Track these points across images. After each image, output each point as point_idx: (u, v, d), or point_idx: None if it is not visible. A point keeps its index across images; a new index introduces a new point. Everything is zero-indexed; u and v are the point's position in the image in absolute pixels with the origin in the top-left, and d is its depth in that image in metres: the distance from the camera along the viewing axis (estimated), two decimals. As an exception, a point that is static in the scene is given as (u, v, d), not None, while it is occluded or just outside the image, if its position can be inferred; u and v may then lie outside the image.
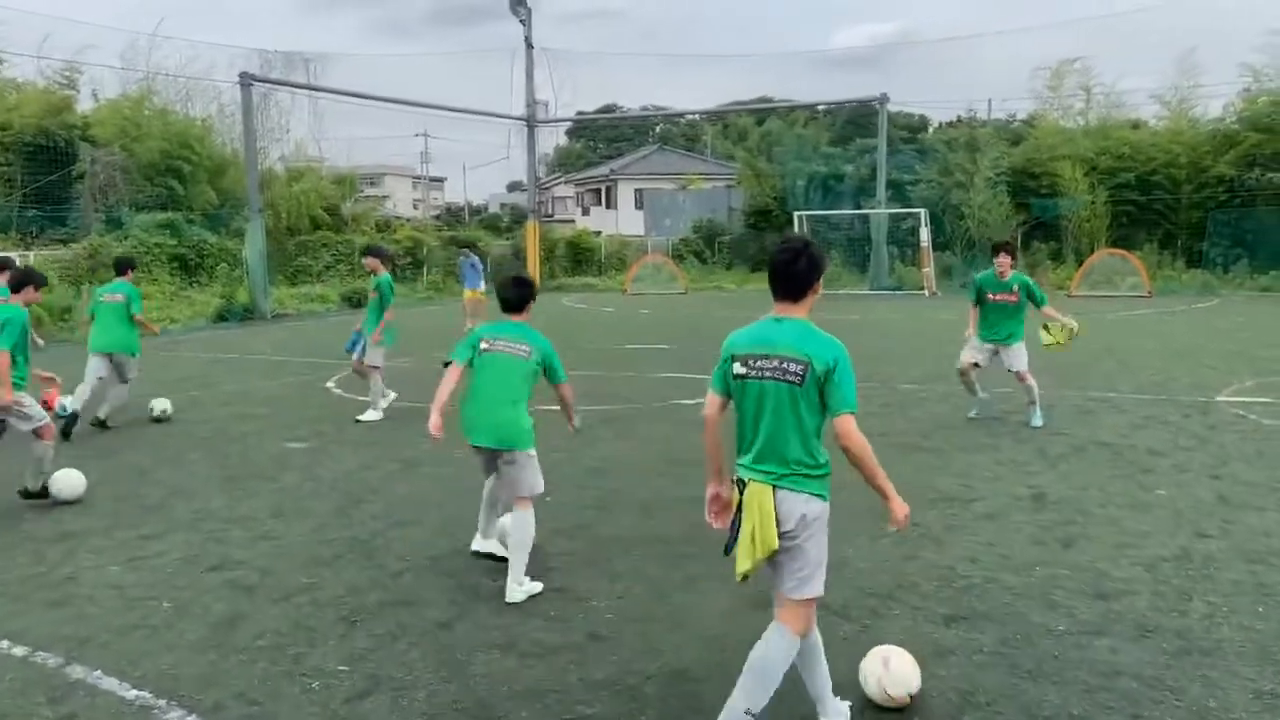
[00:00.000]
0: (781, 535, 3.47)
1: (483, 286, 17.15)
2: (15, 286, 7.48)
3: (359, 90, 29.24)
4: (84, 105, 29.71)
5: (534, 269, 34.30)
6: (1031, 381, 9.18)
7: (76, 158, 26.07)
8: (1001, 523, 6.16)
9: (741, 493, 3.53)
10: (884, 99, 29.37)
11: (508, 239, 42.73)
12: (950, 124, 45.28)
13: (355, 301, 26.52)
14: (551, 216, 67.11)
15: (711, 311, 23.19)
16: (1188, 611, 4.66)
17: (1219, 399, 10.32)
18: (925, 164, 34.78)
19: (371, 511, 6.68)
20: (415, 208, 79.71)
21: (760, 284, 27.46)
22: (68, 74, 29.37)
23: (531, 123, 33.38)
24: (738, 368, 3.55)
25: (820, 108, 62.84)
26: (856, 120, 69.44)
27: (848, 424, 3.42)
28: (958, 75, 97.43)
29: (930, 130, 52.98)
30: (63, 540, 6.16)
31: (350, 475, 7.71)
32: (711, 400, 3.70)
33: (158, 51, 41.99)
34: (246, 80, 24.00)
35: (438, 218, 69.15)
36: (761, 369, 3.49)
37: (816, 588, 3.60)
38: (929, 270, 26.62)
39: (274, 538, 6.14)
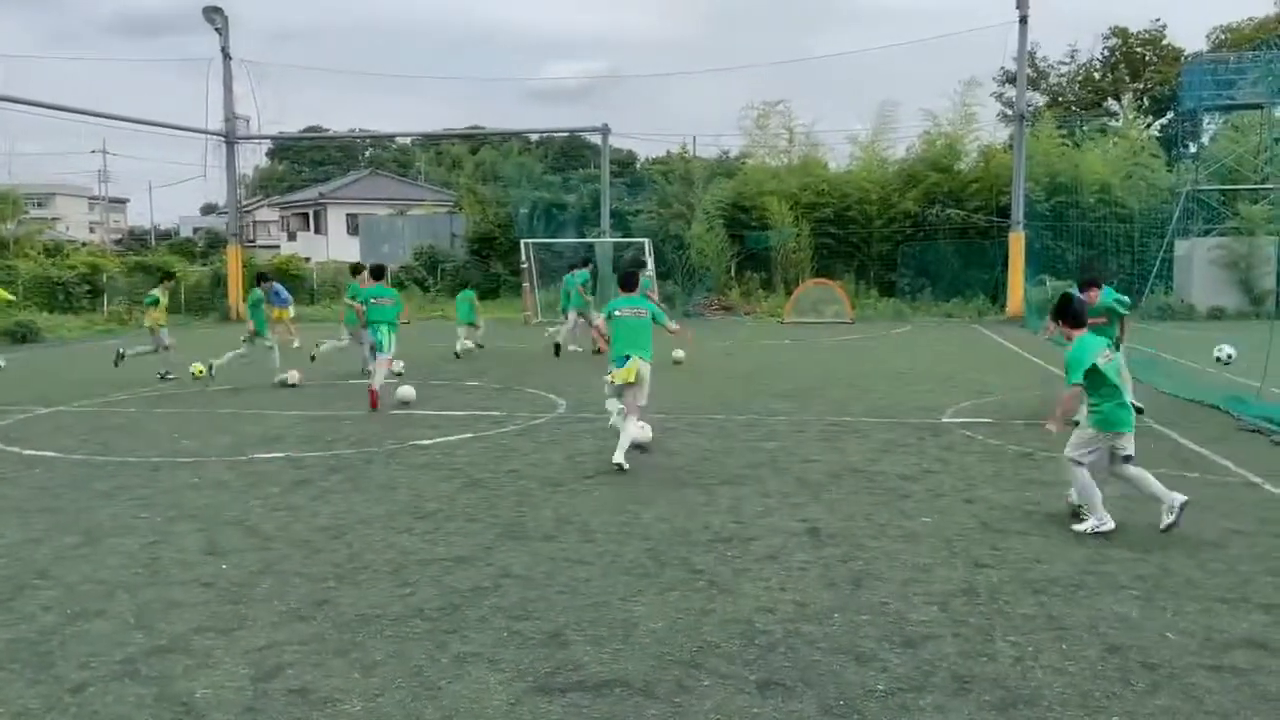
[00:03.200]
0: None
1: (291, 310, 17.64)
2: None
3: (22, 96, 25.50)
4: None
5: (236, 296, 31.52)
6: None
7: None
8: (785, 563, 5.82)
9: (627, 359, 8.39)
10: (606, 129, 29.65)
11: (204, 264, 39.21)
12: (658, 159, 46.82)
13: (20, 336, 23.01)
14: (254, 242, 62.78)
15: (435, 341, 22.09)
16: (995, 655, 4.45)
17: (945, 420, 10.79)
18: (639, 196, 35.55)
19: (41, 601, 5.28)
20: (92, 231, 72.06)
21: (487, 313, 26.53)
22: None
23: (230, 139, 30.71)
24: (618, 313, 8.61)
25: (533, 138, 63.30)
26: (568, 152, 70.76)
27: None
28: (663, 113, 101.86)
29: (638, 165, 54.71)
30: None
31: (11, 553, 6.17)
32: (603, 322, 8.83)
33: None
34: None
35: (119, 242, 62.78)
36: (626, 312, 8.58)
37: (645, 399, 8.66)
38: (655, 297, 26.99)
39: (-103, 650, 4.65)
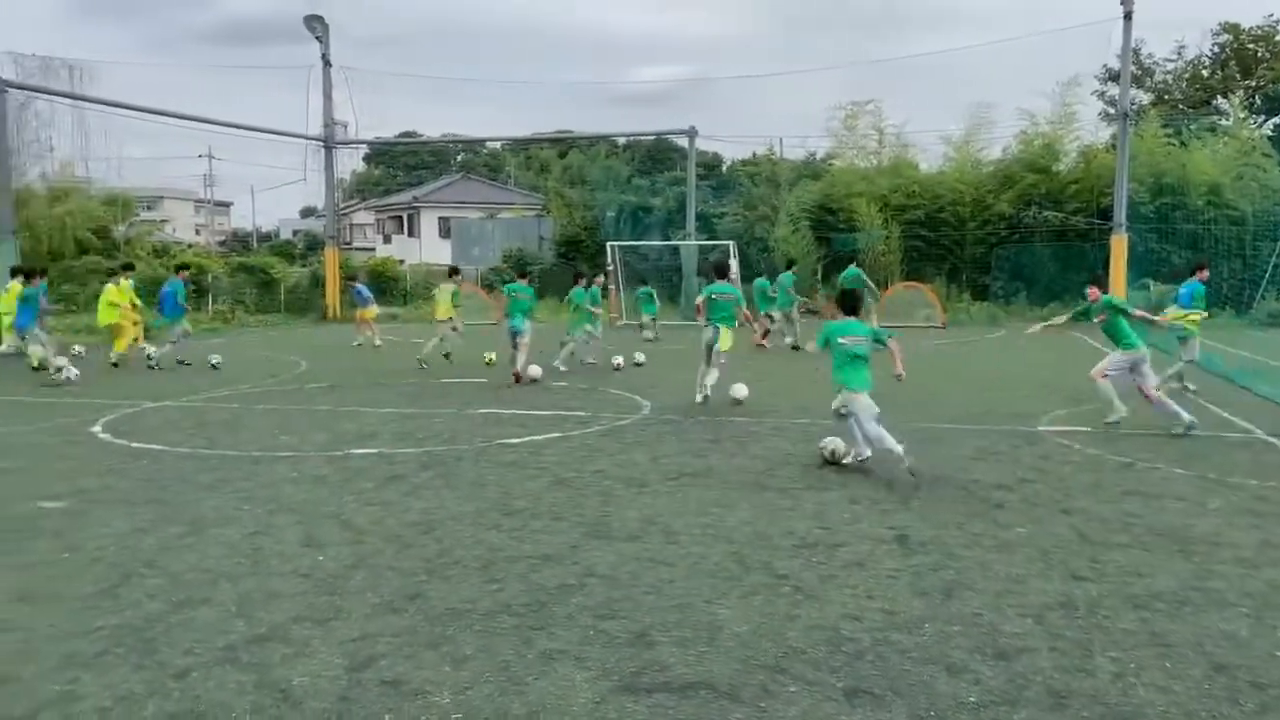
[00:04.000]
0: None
1: (374, 308, 20.85)
2: None
3: (132, 103, 26.66)
4: None
5: (333, 297, 32.44)
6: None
7: None
8: (873, 570, 5.73)
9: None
10: (693, 131, 29.62)
11: (303, 266, 40.41)
12: (745, 161, 46.58)
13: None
14: (350, 244, 64.46)
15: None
16: (1094, 671, 4.30)
17: (1040, 428, 10.50)
18: (725, 198, 35.45)
19: (147, 589, 5.50)
20: (198, 233, 74.82)
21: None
22: None
23: (329, 144, 31.64)
24: (714, 297, 12.23)
25: (620, 141, 63.60)
26: (654, 155, 70.94)
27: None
28: (749, 115, 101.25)
29: (724, 167, 54.51)
30: None
31: (120, 542, 6.44)
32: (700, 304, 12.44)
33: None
34: (0, 86, 21.33)
35: (223, 243, 65.07)
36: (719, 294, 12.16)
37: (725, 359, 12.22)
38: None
39: (17, 629, 4.90)
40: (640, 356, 17.51)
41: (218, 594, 5.41)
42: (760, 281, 21.10)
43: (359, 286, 20.75)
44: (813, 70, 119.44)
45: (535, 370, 14.74)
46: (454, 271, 19.46)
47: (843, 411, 8.61)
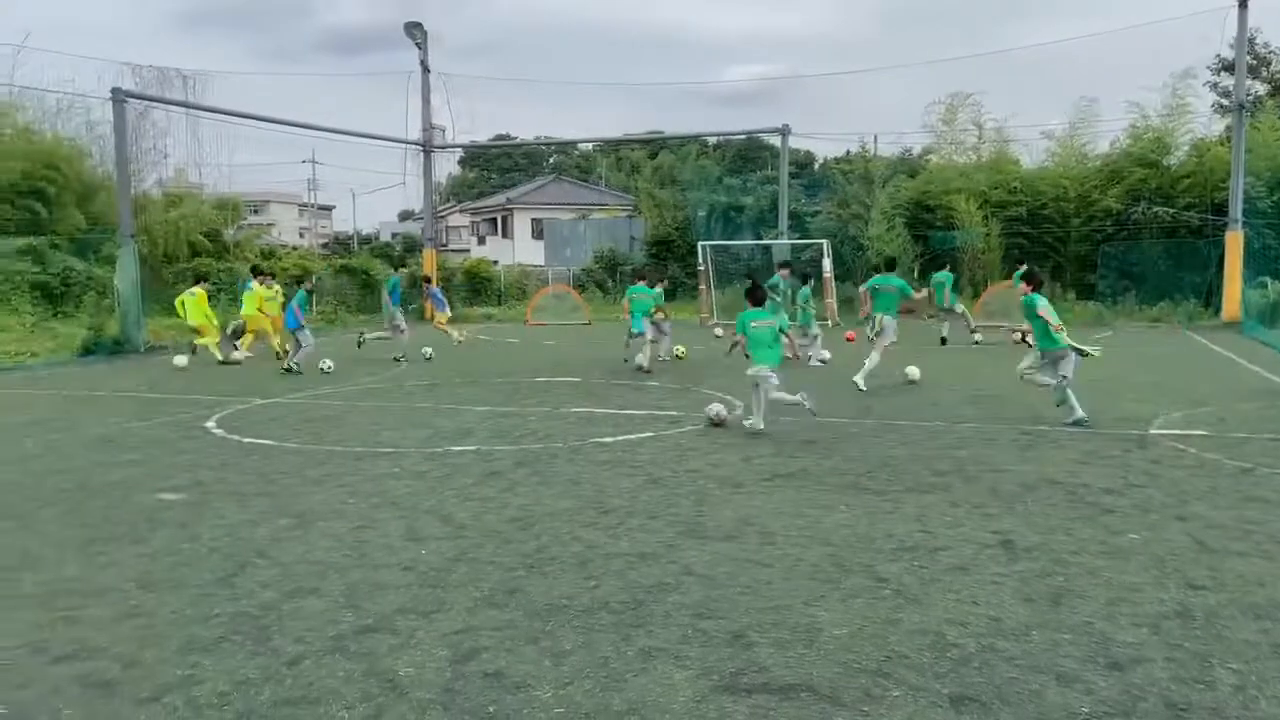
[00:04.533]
0: None
1: (448, 311, 21.44)
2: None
3: (243, 111, 27.67)
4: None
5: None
6: None
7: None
8: (977, 575, 5.59)
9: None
10: (786, 130, 29.37)
11: (402, 268, 41.36)
12: (837, 159, 46.00)
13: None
14: (446, 245, 65.76)
15: (617, 342, 22.50)
16: (1214, 683, 4.13)
17: (1153, 432, 10.11)
18: (817, 196, 35.05)
19: (261, 579, 5.71)
20: (302, 236, 77.25)
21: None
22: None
23: (428, 148, 32.35)
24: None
25: (711, 141, 63.29)
26: (745, 154, 70.53)
27: None
28: (842, 112, 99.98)
29: (816, 165, 53.92)
30: None
31: (234, 534, 6.70)
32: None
33: (21, 68, 39.41)
34: (119, 96, 22.39)
35: (326, 246, 67.05)
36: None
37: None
38: (832, 301, 26.55)
39: (141, 615, 5.13)
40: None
41: (326, 585, 5.58)
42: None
43: (434, 290, 22.16)
44: (909, 65, 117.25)
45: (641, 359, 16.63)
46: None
47: (756, 381, 10.51)
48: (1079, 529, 6.52)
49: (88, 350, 20.55)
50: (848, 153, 44.67)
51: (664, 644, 4.62)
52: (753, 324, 10.63)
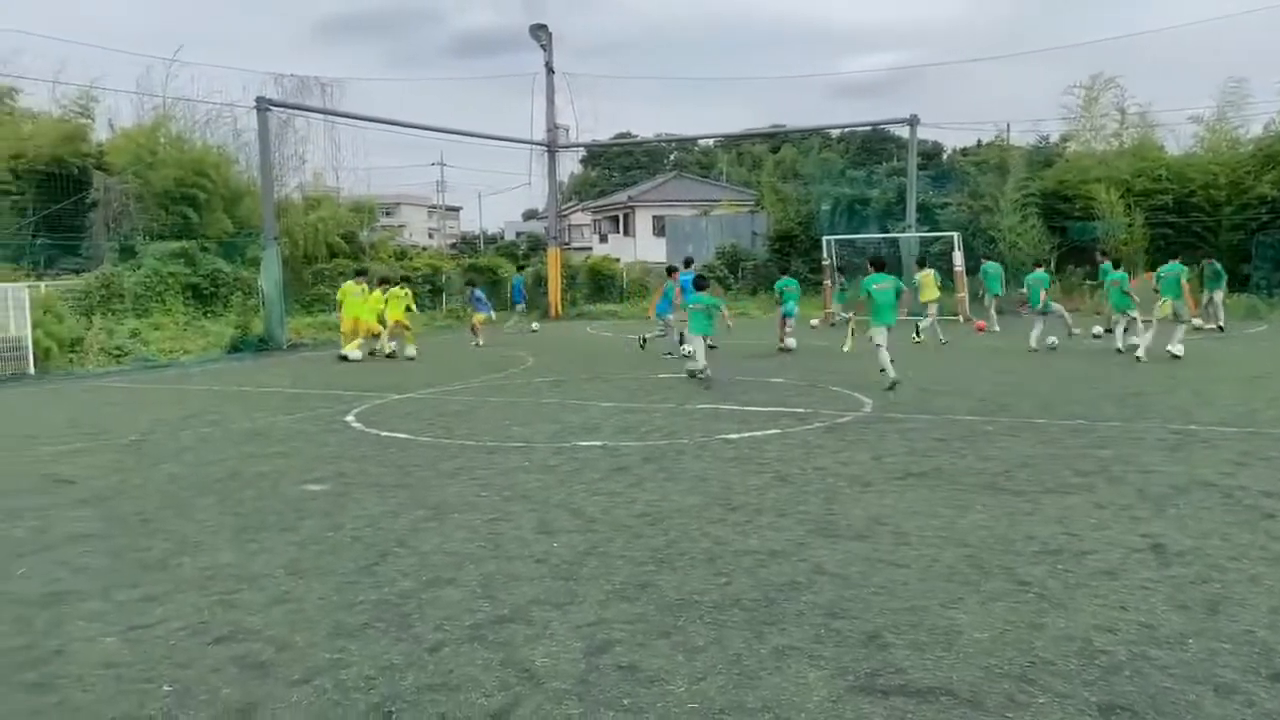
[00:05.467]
0: None
1: (490, 314, 22.90)
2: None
3: (377, 116, 28.71)
4: (100, 135, 29.38)
5: (555, 296, 33.66)
6: None
7: (90, 186, 25.62)
8: (1126, 580, 5.35)
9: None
10: (915, 120, 28.65)
11: (525, 266, 42.18)
12: (967, 149, 44.57)
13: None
14: (569, 244, 66.64)
15: (740, 339, 22.42)
16: (1397, 701, 3.84)
17: (1317, 432, 9.48)
18: (945, 188, 34.08)
19: (401, 568, 5.91)
20: (431, 236, 79.56)
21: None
22: (82, 103, 29.03)
23: (553, 147, 32.87)
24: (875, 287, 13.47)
25: (834, 134, 62.12)
26: (869, 146, 69.23)
27: None
28: (971, 101, 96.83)
29: (943, 156, 52.41)
30: (53, 602, 5.42)
31: (375, 524, 6.95)
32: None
33: (174, 80, 41.70)
34: (263, 105, 23.51)
35: (454, 246, 68.93)
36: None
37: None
38: (963, 295, 25.77)
39: (291, 600, 5.38)
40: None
41: (463, 575, 5.73)
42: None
43: (477, 292, 23.84)
44: (1043, 50, 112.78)
45: (791, 342, 19.28)
46: (671, 271, 20.74)
47: (691, 348, 14.53)
48: (1237, 534, 6.16)
49: (235, 348, 21.68)
50: (978, 143, 43.34)
51: (797, 642, 4.58)
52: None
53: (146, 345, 20.47)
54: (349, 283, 20.44)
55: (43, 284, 20.68)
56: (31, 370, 17.76)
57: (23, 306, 17.91)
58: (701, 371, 13.95)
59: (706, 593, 5.31)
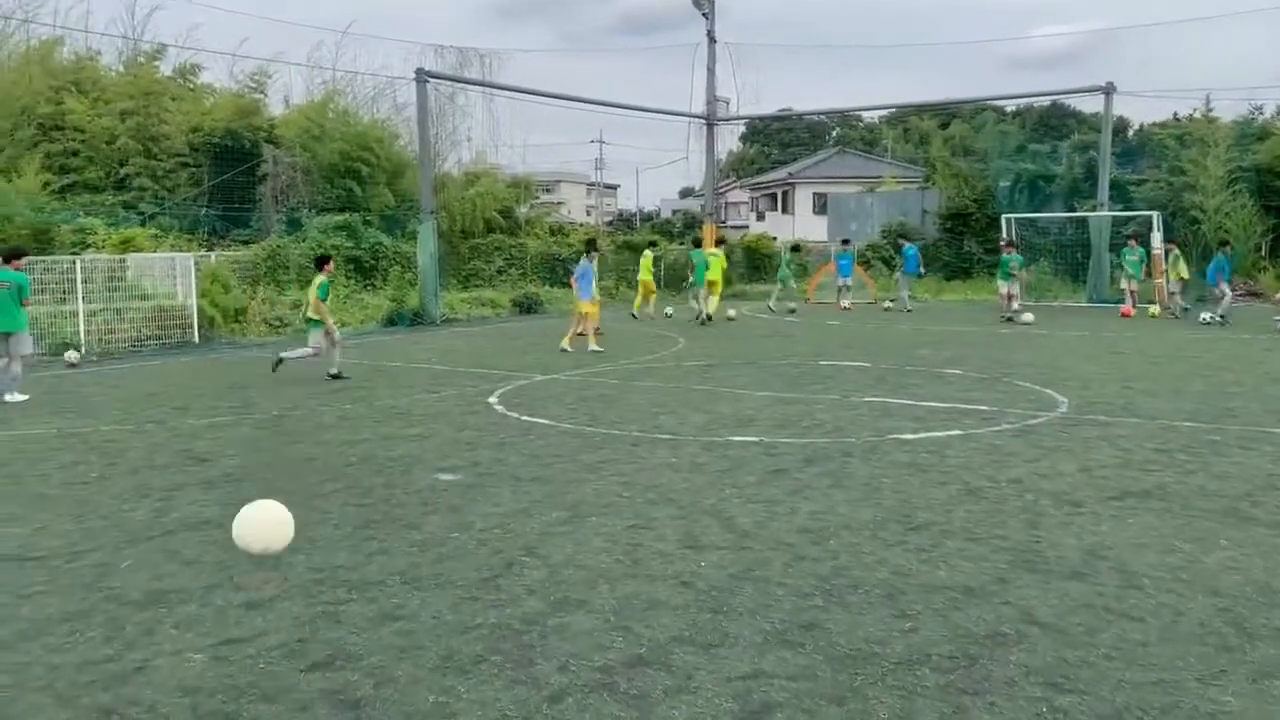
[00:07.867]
0: None
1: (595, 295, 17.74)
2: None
3: (537, 89, 28.34)
4: (275, 109, 30.19)
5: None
6: None
7: (260, 159, 26.29)
8: None
9: None
10: (1110, 87, 26.10)
11: (681, 244, 41.36)
12: (1162, 123, 40.79)
13: (526, 307, 25.64)
14: (725, 222, 65.53)
15: (906, 322, 20.94)
16: None
17: None
18: (1135, 164, 31.21)
19: (527, 582, 5.15)
20: (588, 213, 79.88)
21: (956, 294, 25.11)
22: (258, 78, 29.85)
23: (712, 120, 31.82)
24: None
25: (1009, 108, 58.37)
26: (1047, 121, 64.83)
27: None
28: (1160, 71, 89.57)
29: (1130, 131, 48.40)
30: (150, 604, 4.92)
31: (505, 523, 6.24)
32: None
33: (344, 54, 42.83)
34: (422, 77, 23.43)
35: (610, 223, 68.88)
36: None
37: None
38: (1161, 282, 23.30)
39: (403, 617, 4.70)
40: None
41: (596, 597, 4.93)
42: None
43: (582, 266, 24.78)
44: (1259, 10, 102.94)
45: (1028, 316, 20.49)
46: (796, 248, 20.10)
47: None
48: None
49: (390, 321, 21.72)
50: (1175, 115, 39.62)
51: (1013, 727, 3.55)
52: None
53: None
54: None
55: (213, 254, 21.20)
56: (196, 338, 18.15)
57: (189, 275, 18.31)
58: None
59: (888, 642, 4.32)
